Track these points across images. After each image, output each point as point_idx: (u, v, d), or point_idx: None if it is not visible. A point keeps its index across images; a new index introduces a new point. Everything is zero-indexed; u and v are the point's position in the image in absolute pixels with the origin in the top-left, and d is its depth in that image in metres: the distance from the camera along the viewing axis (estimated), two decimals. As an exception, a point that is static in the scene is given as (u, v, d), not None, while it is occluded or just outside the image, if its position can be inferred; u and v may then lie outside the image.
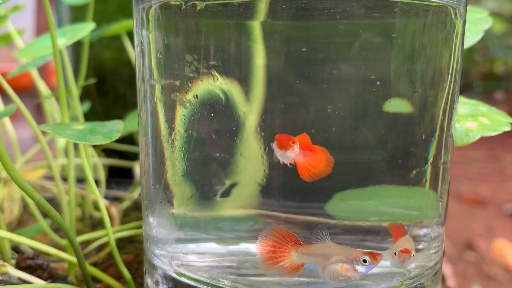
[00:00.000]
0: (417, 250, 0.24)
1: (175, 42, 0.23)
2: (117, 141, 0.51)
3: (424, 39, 0.22)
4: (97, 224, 0.44)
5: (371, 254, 0.21)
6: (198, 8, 0.21)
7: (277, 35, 0.21)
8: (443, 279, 0.49)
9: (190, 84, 0.22)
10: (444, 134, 0.24)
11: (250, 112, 0.22)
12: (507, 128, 0.28)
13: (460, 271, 1.20)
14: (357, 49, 0.21)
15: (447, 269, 0.53)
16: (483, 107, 0.30)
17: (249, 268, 0.24)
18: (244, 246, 0.24)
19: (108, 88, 0.57)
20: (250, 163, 0.22)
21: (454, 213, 1.55)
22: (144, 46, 0.24)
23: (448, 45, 0.23)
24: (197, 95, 0.22)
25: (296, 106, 0.21)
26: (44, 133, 0.44)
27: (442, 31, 0.23)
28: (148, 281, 0.27)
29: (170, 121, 0.24)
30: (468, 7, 0.35)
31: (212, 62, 0.22)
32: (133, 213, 0.46)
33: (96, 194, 0.29)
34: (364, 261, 0.21)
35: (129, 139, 0.53)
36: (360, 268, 0.21)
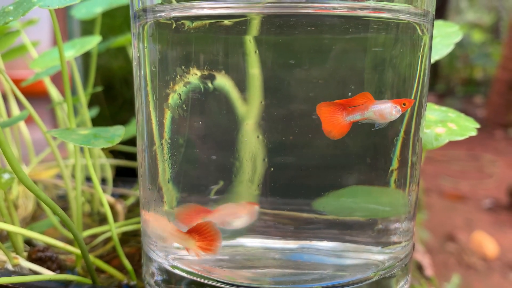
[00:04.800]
0: (390, 244, 0.25)
1: (168, 56, 0.23)
2: (123, 143, 0.52)
3: (394, 52, 0.22)
4: (104, 219, 0.44)
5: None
6: (189, 26, 0.22)
7: (264, 49, 0.21)
8: (421, 269, 0.49)
9: (180, 94, 0.23)
10: (411, 138, 0.24)
11: (246, 117, 0.22)
12: (473, 133, 0.28)
13: (442, 261, 1.20)
14: (335, 61, 0.21)
15: (425, 260, 0.53)
16: (452, 114, 0.30)
17: (239, 261, 0.24)
18: (236, 241, 0.24)
19: (115, 94, 0.57)
20: (243, 164, 0.22)
21: (436, 207, 1.56)
22: (140, 59, 0.25)
23: (415, 57, 0.23)
24: (186, 104, 0.23)
25: (281, 113, 0.22)
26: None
27: (410, 45, 0.23)
28: (145, 272, 0.27)
29: (163, 127, 0.24)
30: (441, 22, 0.35)
31: (201, 74, 0.22)
32: (137, 209, 0.46)
33: (100, 192, 0.29)
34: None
35: (134, 141, 0.53)
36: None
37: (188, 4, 0.22)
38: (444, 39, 0.33)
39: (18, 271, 0.28)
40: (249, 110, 0.22)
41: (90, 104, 0.55)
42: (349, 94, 0.21)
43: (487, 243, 1.26)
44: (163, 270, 0.25)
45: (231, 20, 0.21)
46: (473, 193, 1.73)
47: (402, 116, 0.23)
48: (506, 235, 1.35)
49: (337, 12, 0.21)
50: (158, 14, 0.23)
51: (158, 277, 0.26)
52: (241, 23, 0.21)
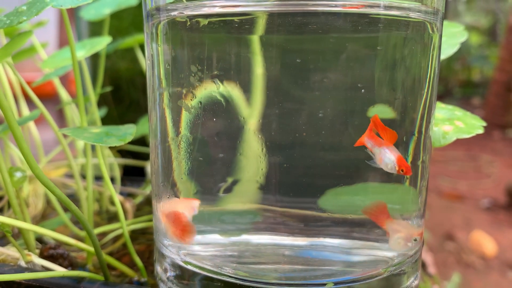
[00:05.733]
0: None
1: (181, 54, 0.23)
2: (131, 142, 0.52)
3: (404, 51, 0.22)
4: (113, 217, 0.44)
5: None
6: (202, 24, 0.22)
7: (274, 48, 0.21)
8: (424, 266, 0.49)
9: (194, 92, 0.23)
10: (423, 136, 0.24)
11: (250, 116, 0.22)
12: (480, 131, 0.28)
13: (441, 260, 1.20)
14: (345, 60, 0.21)
15: (428, 258, 0.52)
16: (459, 112, 0.30)
17: (249, 257, 0.24)
18: (245, 237, 0.24)
19: (123, 95, 0.57)
20: (250, 162, 0.22)
21: (435, 207, 1.55)
22: (153, 58, 0.24)
23: (426, 56, 0.23)
24: (201, 102, 0.23)
25: (291, 111, 0.22)
26: (65, 135, 0.44)
27: (420, 44, 0.23)
28: (158, 268, 0.27)
29: (177, 125, 0.24)
30: (446, 22, 0.35)
31: (215, 72, 0.22)
32: (145, 207, 0.46)
33: (112, 190, 0.29)
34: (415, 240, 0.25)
35: (141, 141, 0.53)
36: (410, 244, 0.25)
37: (199, 2, 0.21)
38: (449, 39, 0.33)
39: (31, 268, 0.28)
40: (258, 109, 0.21)
41: (98, 105, 0.55)
42: (362, 91, 0.21)
43: (485, 242, 1.26)
44: (175, 266, 0.25)
45: (241, 17, 0.21)
46: (472, 193, 1.73)
47: (413, 115, 0.23)
48: (504, 234, 1.35)
49: (348, 10, 0.21)
50: (171, 13, 0.23)
51: (171, 273, 0.26)
52: (252, 22, 0.21)
